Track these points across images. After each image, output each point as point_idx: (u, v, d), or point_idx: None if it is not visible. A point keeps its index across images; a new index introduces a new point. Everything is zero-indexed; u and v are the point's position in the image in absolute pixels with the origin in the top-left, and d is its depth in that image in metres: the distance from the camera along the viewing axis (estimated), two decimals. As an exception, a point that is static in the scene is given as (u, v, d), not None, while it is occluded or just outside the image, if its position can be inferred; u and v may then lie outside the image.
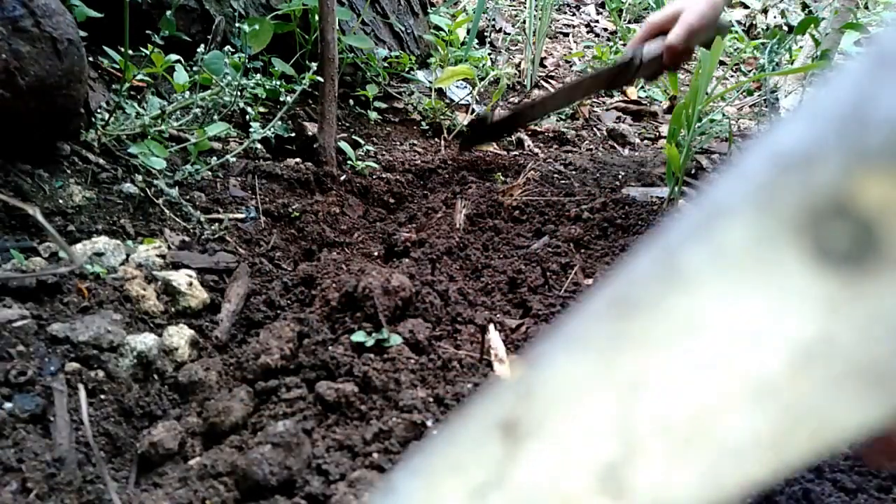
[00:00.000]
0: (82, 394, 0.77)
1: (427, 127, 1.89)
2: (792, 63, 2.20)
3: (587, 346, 0.18)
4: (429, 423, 0.77)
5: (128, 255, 0.98)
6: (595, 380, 0.18)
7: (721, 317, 0.15)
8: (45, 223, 0.89)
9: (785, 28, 1.97)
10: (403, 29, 2.06)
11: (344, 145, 1.51)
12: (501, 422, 0.20)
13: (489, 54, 2.28)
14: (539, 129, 2.00)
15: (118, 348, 0.83)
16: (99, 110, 1.17)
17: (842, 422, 0.15)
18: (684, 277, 0.16)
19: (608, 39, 2.96)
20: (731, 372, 0.16)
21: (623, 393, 0.18)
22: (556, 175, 1.65)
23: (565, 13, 3.26)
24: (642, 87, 2.41)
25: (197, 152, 1.25)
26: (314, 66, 1.34)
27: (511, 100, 2.22)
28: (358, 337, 0.89)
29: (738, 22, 2.92)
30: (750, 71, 2.74)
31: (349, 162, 1.51)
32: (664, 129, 2.11)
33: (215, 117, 1.30)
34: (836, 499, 0.75)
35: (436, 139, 1.86)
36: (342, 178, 1.45)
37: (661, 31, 1.24)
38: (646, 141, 2.07)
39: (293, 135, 1.51)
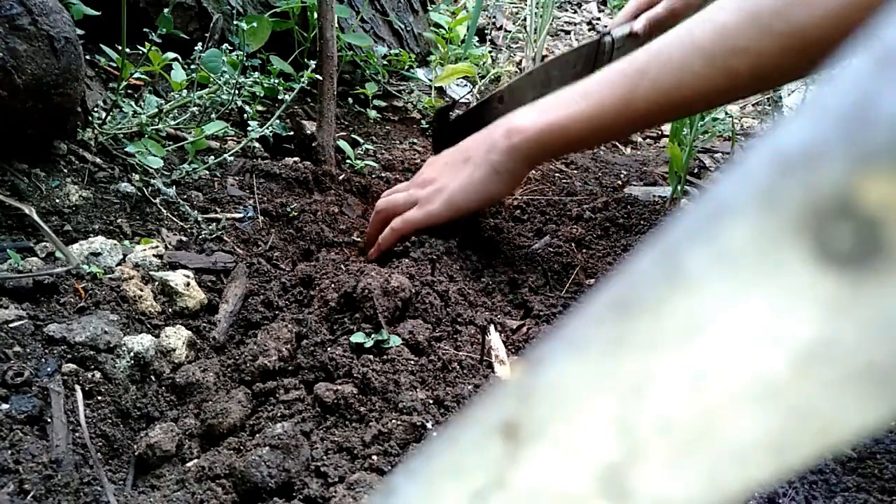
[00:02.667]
0: (79, 395, 0.76)
1: (427, 126, 1.88)
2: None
3: (589, 348, 0.18)
4: (429, 425, 0.76)
5: (125, 255, 0.97)
6: (596, 381, 0.18)
7: (723, 317, 0.15)
8: (41, 223, 0.88)
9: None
10: (403, 26, 2.06)
11: (343, 144, 1.51)
12: (502, 424, 0.20)
13: (490, 52, 2.28)
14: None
15: (115, 349, 0.82)
16: (96, 109, 1.17)
17: (845, 423, 0.15)
18: (686, 278, 0.16)
19: (608, 38, 2.95)
20: (733, 373, 0.16)
21: (625, 395, 0.18)
22: (557, 174, 1.65)
23: (566, 10, 3.26)
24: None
25: (194, 151, 1.24)
26: (313, 64, 1.34)
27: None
28: (357, 338, 0.89)
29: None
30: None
31: (348, 161, 1.50)
32: (666, 128, 2.10)
33: (213, 116, 1.30)
34: (838, 500, 0.75)
35: (435, 138, 1.85)
36: (341, 177, 1.44)
37: (649, 6, 1.18)
38: (648, 139, 2.07)
39: (291, 133, 1.51)
